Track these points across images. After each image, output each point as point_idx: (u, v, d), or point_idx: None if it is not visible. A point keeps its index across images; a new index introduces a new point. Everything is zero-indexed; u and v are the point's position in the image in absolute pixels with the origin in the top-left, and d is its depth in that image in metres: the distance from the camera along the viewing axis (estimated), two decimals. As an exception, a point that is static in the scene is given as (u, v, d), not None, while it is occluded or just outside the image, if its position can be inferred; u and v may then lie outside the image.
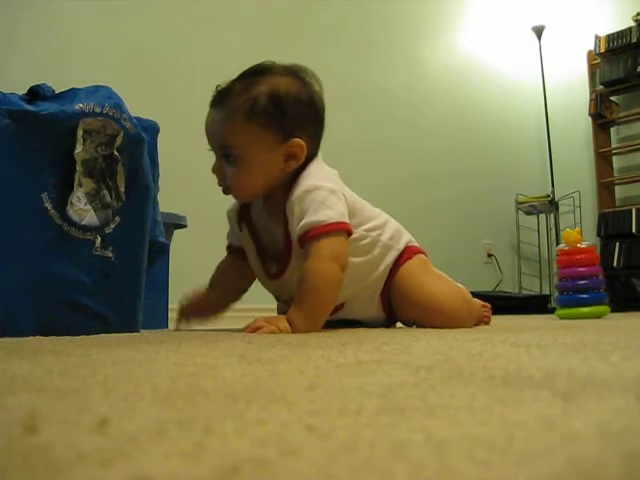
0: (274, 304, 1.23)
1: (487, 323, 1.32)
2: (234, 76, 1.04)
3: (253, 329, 0.91)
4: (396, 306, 1.15)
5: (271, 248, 1.10)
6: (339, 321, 1.13)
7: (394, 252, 1.13)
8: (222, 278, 1.18)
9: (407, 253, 1.15)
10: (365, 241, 1.08)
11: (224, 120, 1.00)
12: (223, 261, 1.20)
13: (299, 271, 0.99)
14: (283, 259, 1.06)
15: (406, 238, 1.17)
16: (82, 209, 1.00)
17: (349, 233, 0.99)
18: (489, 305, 1.36)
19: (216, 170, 1.04)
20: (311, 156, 1.05)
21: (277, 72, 1.03)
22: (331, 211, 0.97)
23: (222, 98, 1.01)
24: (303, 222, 0.96)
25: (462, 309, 1.13)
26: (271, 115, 0.98)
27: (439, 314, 1.09)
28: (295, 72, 1.05)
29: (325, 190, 0.98)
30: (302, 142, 1.00)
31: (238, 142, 0.99)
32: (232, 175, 1.02)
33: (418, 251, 1.19)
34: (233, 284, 1.18)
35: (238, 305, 1.26)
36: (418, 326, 1.16)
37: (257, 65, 1.04)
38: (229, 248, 1.19)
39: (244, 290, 1.19)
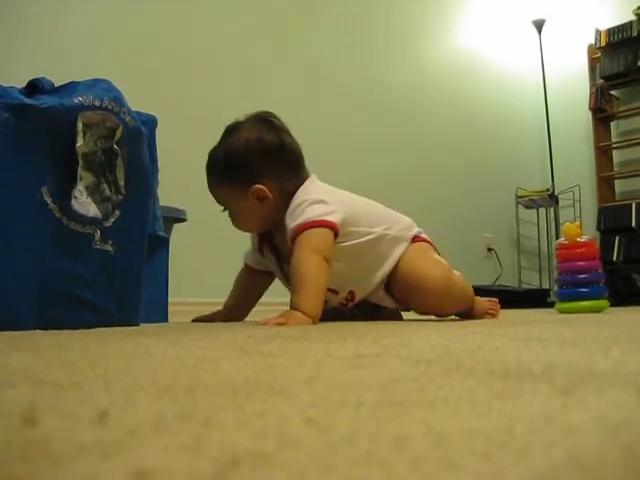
0: (271, 298, 1.30)
1: (494, 316, 1.33)
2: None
3: (263, 322, 0.99)
4: (392, 287, 1.24)
5: (288, 256, 1.22)
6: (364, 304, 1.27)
7: (404, 243, 1.23)
8: (241, 288, 1.33)
9: (413, 241, 1.25)
10: (369, 237, 1.18)
11: (212, 184, 1.21)
12: (240, 275, 1.34)
13: None
14: None
15: (415, 230, 1.28)
16: (85, 202, 1.00)
17: (332, 228, 1.11)
18: (496, 299, 1.36)
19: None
20: (298, 181, 1.18)
21: (242, 128, 1.18)
22: (311, 214, 1.11)
23: (209, 164, 1.21)
24: (289, 229, 1.12)
25: (439, 287, 1.18)
26: (230, 172, 1.16)
27: (416, 288, 1.18)
28: (259, 119, 1.19)
29: (308, 202, 1.13)
30: (261, 186, 1.15)
31: (222, 200, 1.21)
32: (232, 221, 1.24)
33: (423, 240, 1.28)
34: (250, 291, 1.34)
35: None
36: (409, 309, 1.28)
37: (226, 127, 1.21)
38: (246, 267, 1.33)
39: (259, 297, 1.35)
